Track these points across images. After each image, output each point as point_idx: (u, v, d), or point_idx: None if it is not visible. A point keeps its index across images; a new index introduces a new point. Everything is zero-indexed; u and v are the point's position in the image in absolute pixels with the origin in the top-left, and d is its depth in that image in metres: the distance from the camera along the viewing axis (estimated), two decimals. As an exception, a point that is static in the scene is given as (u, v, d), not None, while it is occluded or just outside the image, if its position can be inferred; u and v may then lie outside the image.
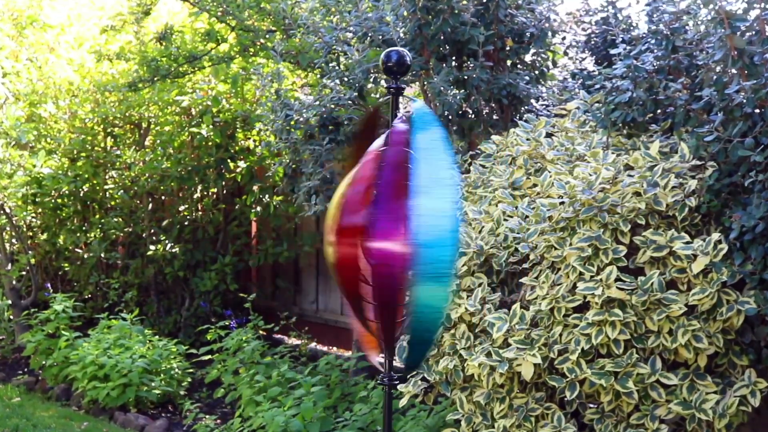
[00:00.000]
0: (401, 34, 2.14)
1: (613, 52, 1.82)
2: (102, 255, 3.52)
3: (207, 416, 2.53)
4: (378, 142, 1.02)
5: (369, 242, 0.95)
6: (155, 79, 3.03)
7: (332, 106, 2.29)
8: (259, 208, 3.43)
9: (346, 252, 0.97)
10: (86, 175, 3.54)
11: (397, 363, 1.95)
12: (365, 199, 0.97)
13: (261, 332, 2.81)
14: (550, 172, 1.72)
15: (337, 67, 2.33)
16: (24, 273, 3.62)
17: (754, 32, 1.50)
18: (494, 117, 2.22)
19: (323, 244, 1.00)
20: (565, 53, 2.39)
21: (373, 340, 1.07)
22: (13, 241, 3.65)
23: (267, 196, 3.39)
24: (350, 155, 1.07)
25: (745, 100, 1.45)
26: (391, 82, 1.13)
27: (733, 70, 1.48)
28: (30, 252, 3.57)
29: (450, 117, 2.14)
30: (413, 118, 0.98)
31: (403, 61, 1.11)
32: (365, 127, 1.13)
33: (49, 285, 3.61)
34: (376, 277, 0.96)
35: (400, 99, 1.11)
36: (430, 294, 0.91)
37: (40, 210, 3.65)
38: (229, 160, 3.41)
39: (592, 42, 2.24)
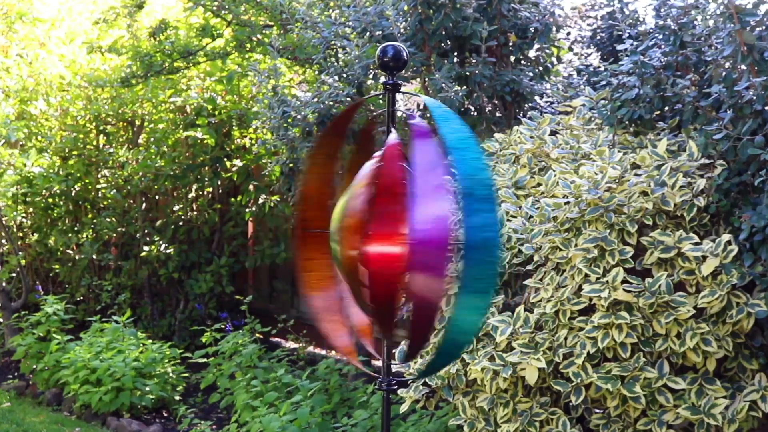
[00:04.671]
0: (401, 29, 2.10)
1: (619, 47, 1.79)
2: (94, 256, 3.46)
3: (202, 422, 2.48)
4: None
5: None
6: (149, 74, 2.97)
7: (331, 103, 2.24)
8: (255, 208, 3.37)
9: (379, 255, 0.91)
10: (78, 174, 3.47)
11: (398, 367, 1.91)
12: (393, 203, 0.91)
13: (258, 335, 2.76)
14: (554, 171, 1.69)
15: (335, 63, 2.29)
16: (14, 275, 3.57)
17: (764, 27, 1.47)
18: (497, 114, 2.19)
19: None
20: (570, 49, 2.36)
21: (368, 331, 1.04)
22: (3, 242, 3.58)
23: (264, 195, 3.33)
24: (349, 164, 1.03)
25: (755, 97, 1.43)
26: (388, 77, 1.08)
27: (743, 66, 1.45)
28: (20, 253, 3.51)
29: (451, 114, 2.09)
30: (435, 116, 0.91)
31: (399, 56, 1.07)
32: (361, 139, 1.10)
33: (39, 287, 3.55)
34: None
35: (401, 94, 1.07)
36: (470, 307, 0.85)
37: (30, 210, 3.59)
38: (224, 159, 3.36)
39: (598, 37, 2.21)
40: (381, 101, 2.33)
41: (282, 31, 2.73)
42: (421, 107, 2.38)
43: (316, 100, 2.27)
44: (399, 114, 2.41)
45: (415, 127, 0.94)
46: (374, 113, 2.16)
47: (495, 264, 0.85)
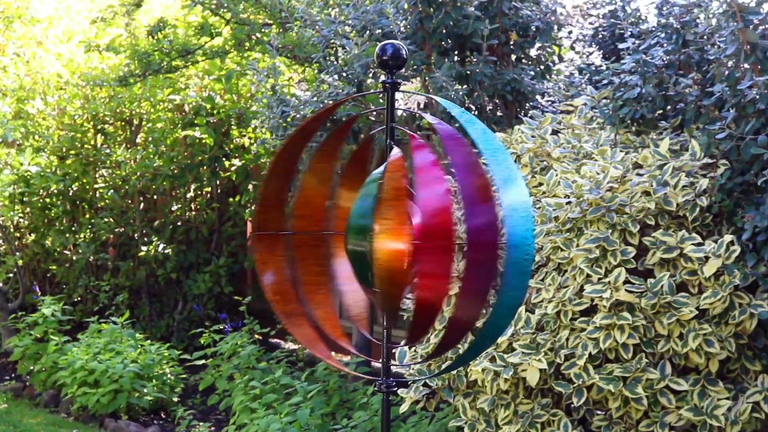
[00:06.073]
0: (402, 28, 2.09)
1: (621, 46, 1.78)
2: (92, 256, 3.44)
3: (201, 423, 2.47)
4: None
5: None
6: (147, 73, 2.95)
7: (330, 102, 2.23)
8: (254, 208, 3.36)
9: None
10: (75, 174, 3.46)
11: (397, 368, 1.89)
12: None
13: (256, 336, 2.75)
14: (556, 170, 1.68)
15: (335, 62, 2.28)
16: (11, 275, 3.56)
17: (767, 26, 1.45)
18: (498, 113, 2.18)
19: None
20: (572, 47, 2.35)
21: (337, 327, 1.03)
22: (0, 242, 3.55)
23: (262, 195, 3.30)
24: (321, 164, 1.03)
25: (758, 96, 1.42)
26: (387, 76, 1.07)
27: (746, 65, 1.45)
28: (17, 253, 3.50)
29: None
30: (462, 121, 0.95)
31: (398, 55, 1.06)
32: (356, 156, 1.10)
33: (37, 287, 3.52)
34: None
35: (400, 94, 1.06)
36: (514, 292, 0.91)
37: (27, 210, 3.57)
38: (223, 158, 3.35)
39: (600, 36, 2.20)
40: (381, 100, 2.32)
41: (281, 30, 2.72)
42: (422, 106, 2.37)
43: (315, 99, 2.26)
44: (399, 113, 2.40)
45: (442, 129, 0.95)
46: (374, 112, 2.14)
47: (531, 259, 0.91)
